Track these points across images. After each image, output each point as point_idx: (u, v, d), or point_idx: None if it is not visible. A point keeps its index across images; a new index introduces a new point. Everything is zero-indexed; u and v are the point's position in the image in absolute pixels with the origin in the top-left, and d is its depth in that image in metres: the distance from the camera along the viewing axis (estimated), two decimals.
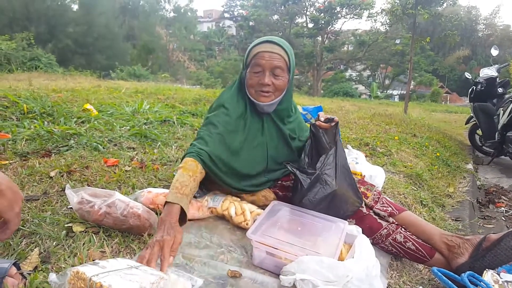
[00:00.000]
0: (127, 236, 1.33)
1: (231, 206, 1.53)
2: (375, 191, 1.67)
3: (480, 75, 5.35)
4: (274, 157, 1.65)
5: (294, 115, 1.73)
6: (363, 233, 1.39)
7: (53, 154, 2.22)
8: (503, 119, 4.44)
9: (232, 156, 1.52)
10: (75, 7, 24.99)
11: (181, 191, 1.28)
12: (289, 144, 1.68)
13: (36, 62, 15.44)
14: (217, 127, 1.50)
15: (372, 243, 1.42)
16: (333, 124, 1.54)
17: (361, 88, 27.75)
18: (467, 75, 5.92)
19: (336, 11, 23.67)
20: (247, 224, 1.48)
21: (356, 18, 23.70)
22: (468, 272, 1.30)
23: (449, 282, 1.21)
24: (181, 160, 1.44)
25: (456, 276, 1.30)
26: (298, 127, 1.75)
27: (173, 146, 2.64)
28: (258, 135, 1.60)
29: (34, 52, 16.24)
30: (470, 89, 5.43)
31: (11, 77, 8.39)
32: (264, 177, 1.64)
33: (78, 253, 1.18)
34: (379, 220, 1.56)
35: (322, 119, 1.55)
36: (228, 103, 1.57)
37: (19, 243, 1.24)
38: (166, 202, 1.25)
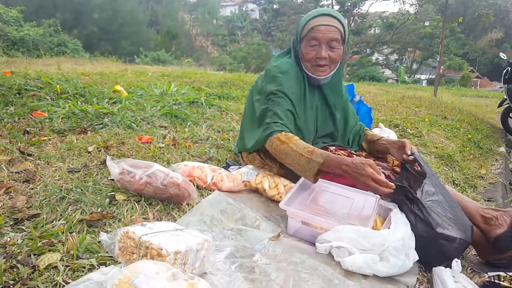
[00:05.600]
0: (167, 204, 1.38)
1: (265, 179, 1.56)
2: None
3: None
4: (320, 128, 1.69)
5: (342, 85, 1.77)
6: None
7: (89, 132, 2.31)
8: None
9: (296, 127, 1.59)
10: None
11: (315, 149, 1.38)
12: (334, 117, 1.70)
13: (63, 48, 15.91)
14: (286, 99, 1.54)
15: None
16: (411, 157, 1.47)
17: (387, 72, 27.07)
18: (502, 55, 5.69)
19: None
20: (280, 197, 1.50)
21: (383, 0, 22.99)
22: None
23: None
24: (266, 137, 1.48)
25: None
26: (345, 99, 1.78)
27: (203, 126, 2.69)
28: (312, 105, 1.64)
29: (61, 38, 16.69)
30: (505, 71, 5.22)
31: (40, 62, 8.67)
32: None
33: (123, 219, 1.24)
34: None
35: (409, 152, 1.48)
36: (289, 73, 1.59)
37: (65, 209, 1.31)
38: (321, 163, 1.34)
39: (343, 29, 1.55)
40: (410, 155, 1.47)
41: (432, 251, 1.29)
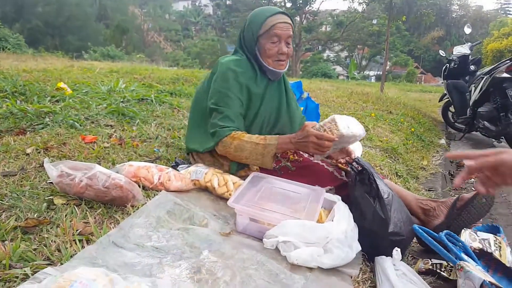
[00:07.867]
0: (110, 207, 1.33)
1: (214, 177, 1.55)
2: None
3: (454, 53, 5.47)
4: (275, 121, 1.73)
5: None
6: (343, 200, 1.44)
7: (28, 132, 2.17)
8: (474, 95, 4.57)
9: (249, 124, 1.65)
10: None
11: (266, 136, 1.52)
12: (289, 111, 1.78)
13: (3, 43, 14.86)
14: (236, 100, 1.59)
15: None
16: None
17: (339, 69, 27.95)
18: (442, 52, 6.04)
19: None
20: (230, 195, 1.50)
21: None
22: (445, 231, 1.36)
23: (430, 238, 1.28)
24: (216, 144, 1.56)
25: (435, 234, 1.36)
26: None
27: (152, 124, 2.61)
28: (273, 99, 1.71)
29: (1, 32, 15.53)
30: (444, 67, 5.55)
31: None
32: None
33: (61, 224, 1.18)
34: None
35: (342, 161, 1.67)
36: (244, 72, 1.63)
37: None
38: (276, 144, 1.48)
39: (293, 27, 1.67)
40: (354, 161, 1.57)
41: (381, 245, 1.34)
